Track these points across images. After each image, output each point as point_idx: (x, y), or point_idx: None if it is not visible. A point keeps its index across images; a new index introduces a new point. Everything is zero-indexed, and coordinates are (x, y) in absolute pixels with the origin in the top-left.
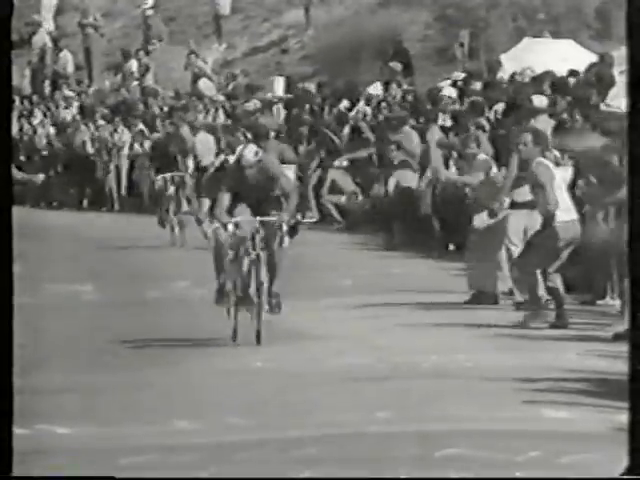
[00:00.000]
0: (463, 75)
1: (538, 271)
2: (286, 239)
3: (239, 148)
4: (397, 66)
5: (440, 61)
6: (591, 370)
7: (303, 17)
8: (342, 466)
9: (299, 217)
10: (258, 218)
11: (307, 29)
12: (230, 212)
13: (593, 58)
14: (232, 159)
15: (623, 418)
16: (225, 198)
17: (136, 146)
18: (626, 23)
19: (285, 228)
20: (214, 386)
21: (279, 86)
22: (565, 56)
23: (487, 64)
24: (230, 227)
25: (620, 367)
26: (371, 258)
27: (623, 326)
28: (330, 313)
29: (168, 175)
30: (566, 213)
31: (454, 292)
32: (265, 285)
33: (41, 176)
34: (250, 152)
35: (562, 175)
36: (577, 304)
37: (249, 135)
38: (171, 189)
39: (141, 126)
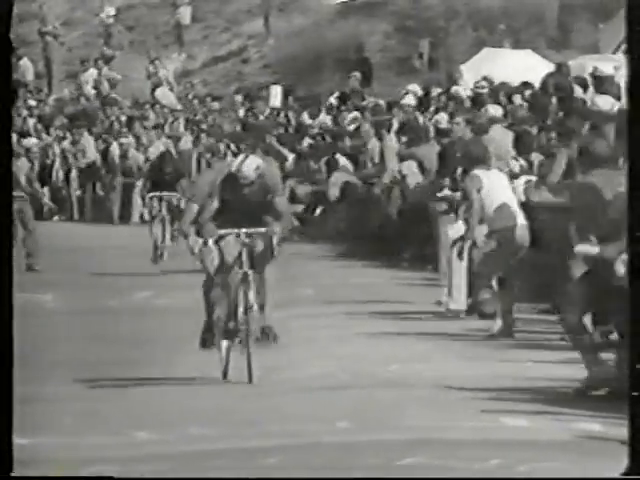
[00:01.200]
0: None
1: (492, 279)
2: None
3: (238, 159)
4: (357, 76)
5: (400, 71)
6: (549, 378)
7: (263, 27)
8: (302, 476)
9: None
10: (244, 230)
11: (267, 39)
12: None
13: (551, 68)
14: (232, 167)
15: (582, 426)
16: (212, 209)
17: (96, 155)
18: (626, 23)
19: (276, 242)
20: (176, 396)
21: (277, 96)
22: (524, 66)
23: (447, 74)
24: (211, 242)
25: (579, 374)
26: (332, 268)
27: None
28: (291, 323)
29: (160, 194)
30: (507, 219)
31: (414, 302)
32: (255, 309)
33: None
34: (250, 166)
35: (503, 183)
36: (536, 312)
37: (232, 146)
38: (163, 210)
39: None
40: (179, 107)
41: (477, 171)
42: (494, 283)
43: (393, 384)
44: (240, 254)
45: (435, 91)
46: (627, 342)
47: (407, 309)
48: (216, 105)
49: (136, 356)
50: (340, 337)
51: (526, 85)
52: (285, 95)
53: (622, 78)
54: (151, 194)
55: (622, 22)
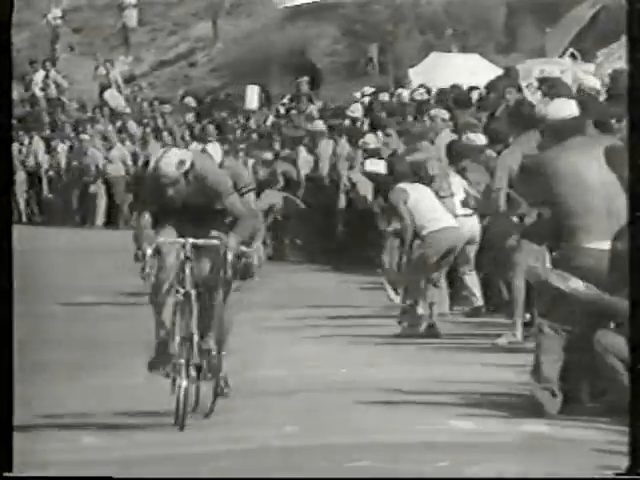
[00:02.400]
0: (372, 90)
1: (421, 283)
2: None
3: (157, 154)
4: (306, 80)
5: (349, 75)
6: (496, 381)
7: (211, 30)
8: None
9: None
10: (190, 240)
11: (215, 42)
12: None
13: (499, 72)
14: (150, 165)
15: (529, 427)
16: (145, 219)
17: (46, 158)
18: (627, 28)
19: (230, 258)
20: (119, 399)
21: (253, 97)
22: (472, 70)
23: (395, 78)
24: (149, 252)
25: (524, 378)
26: (281, 272)
27: (512, 337)
28: (239, 327)
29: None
30: (434, 223)
31: (364, 306)
32: (195, 339)
33: None
34: (170, 161)
35: (428, 192)
36: (486, 316)
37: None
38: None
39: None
40: (127, 110)
41: (401, 185)
42: (431, 286)
43: (341, 388)
44: (183, 269)
45: (383, 96)
46: (627, 342)
47: (356, 313)
48: (166, 108)
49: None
50: (289, 341)
51: (473, 89)
52: (266, 97)
53: (569, 81)
54: (161, 240)
55: (568, 25)
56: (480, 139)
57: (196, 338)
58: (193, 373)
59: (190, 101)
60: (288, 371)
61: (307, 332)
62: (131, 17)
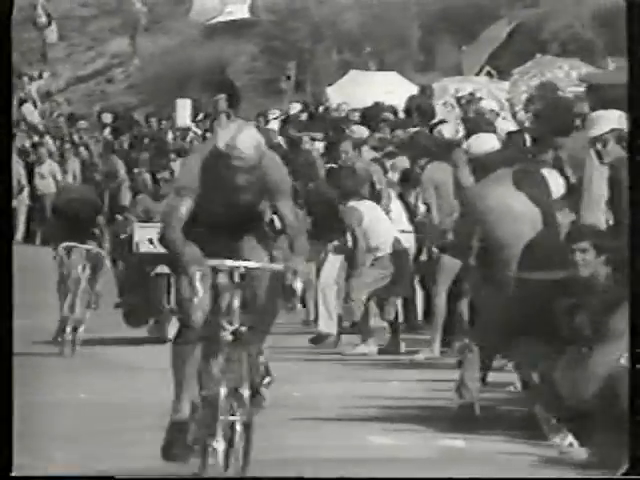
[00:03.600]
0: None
1: (363, 299)
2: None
3: (229, 129)
4: (224, 97)
5: (267, 93)
6: (414, 397)
7: (128, 46)
8: None
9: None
10: (245, 264)
11: (132, 58)
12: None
13: (416, 90)
14: (218, 141)
15: (449, 442)
16: (182, 209)
17: None
18: (627, 28)
19: (300, 287)
20: (36, 417)
21: (185, 112)
22: (389, 88)
23: (313, 96)
24: (198, 277)
25: (442, 393)
26: None
27: (429, 353)
28: (155, 346)
29: (77, 246)
30: (388, 245)
31: (284, 323)
32: (247, 392)
33: None
34: (248, 141)
35: (376, 211)
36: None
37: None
38: (79, 268)
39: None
40: (40, 126)
41: (352, 203)
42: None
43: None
44: (231, 301)
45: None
46: (627, 342)
47: (277, 330)
48: (83, 124)
49: None
50: None
51: (390, 108)
52: (195, 112)
53: (484, 99)
54: (64, 244)
55: (484, 44)
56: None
57: (247, 392)
58: (238, 432)
59: (106, 117)
60: None
61: None
62: (52, 32)
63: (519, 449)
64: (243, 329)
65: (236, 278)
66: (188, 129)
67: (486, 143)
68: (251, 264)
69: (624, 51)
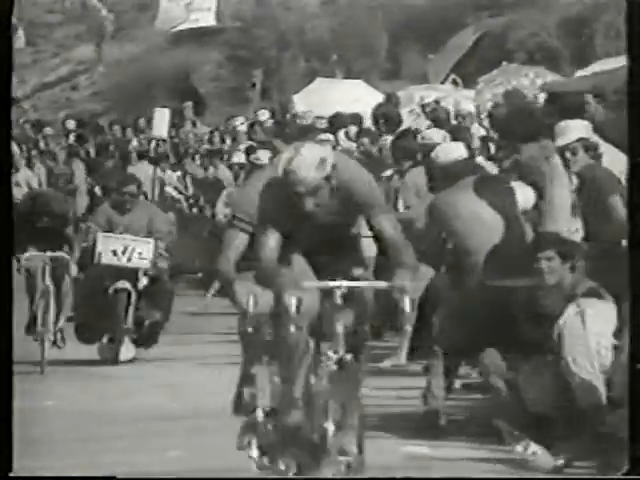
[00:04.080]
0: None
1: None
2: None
3: (286, 151)
4: (190, 105)
5: (233, 101)
6: (380, 403)
7: (94, 53)
8: None
9: None
10: (345, 283)
11: (98, 65)
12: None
13: (381, 98)
14: (278, 168)
15: (411, 448)
16: (236, 242)
17: None
18: (627, 27)
19: (408, 307)
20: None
21: (162, 123)
22: (356, 96)
23: (280, 104)
24: (293, 303)
25: (408, 400)
26: None
27: (396, 360)
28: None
29: (41, 254)
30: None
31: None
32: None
33: None
34: (308, 161)
35: None
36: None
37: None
38: (47, 281)
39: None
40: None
41: None
42: None
43: (222, 412)
44: (333, 325)
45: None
46: (626, 343)
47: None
48: (49, 131)
49: None
50: (170, 366)
51: (356, 116)
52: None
53: (450, 106)
54: (27, 254)
55: (450, 52)
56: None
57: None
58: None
59: (70, 124)
60: (168, 397)
61: (189, 357)
62: (19, 37)
63: (484, 455)
64: (348, 357)
65: (338, 300)
66: (163, 140)
67: (454, 152)
68: (354, 283)
69: (589, 60)
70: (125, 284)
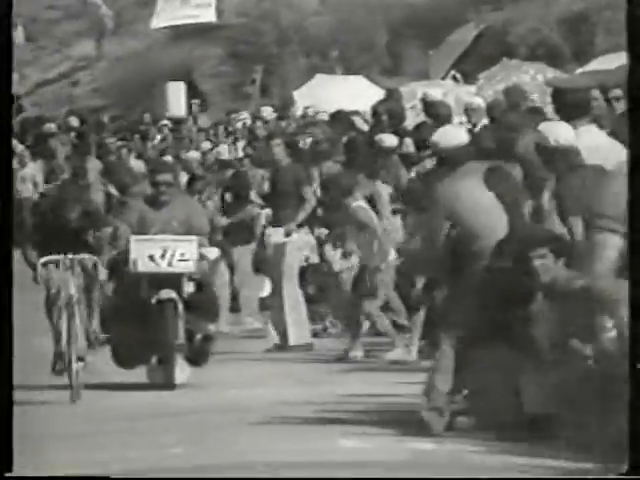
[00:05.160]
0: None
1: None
2: None
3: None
4: (191, 101)
5: (235, 97)
6: (384, 400)
7: (95, 49)
8: None
9: None
10: None
11: (99, 61)
12: None
13: (382, 94)
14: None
15: (420, 445)
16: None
17: None
18: (627, 27)
19: None
20: None
21: (178, 99)
22: (356, 92)
23: (280, 100)
24: None
25: (413, 397)
26: None
27: (404, 353)
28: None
29: (64, 258)
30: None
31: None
32: None
33: None
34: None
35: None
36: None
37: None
38: (72, 287)
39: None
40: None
41: (360, 202)
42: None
43: (232, 409)
44: None
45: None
46: (626, 343)
47: (244, 334)
48: (51, 127)
49: None
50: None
51: (356, 112)
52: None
53: (452, 102)
54: (45, 259)
55: (451, 48)
56: (391, 140)
57: None
58: None
59: (73, 120)
60: (173, 393)
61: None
62: (18, 33)
63: (489, 451)
64: None
65: None
66: (181, 121)
67: (455, 137)
68: None
69: (589, 56)
70: (170, 293)
